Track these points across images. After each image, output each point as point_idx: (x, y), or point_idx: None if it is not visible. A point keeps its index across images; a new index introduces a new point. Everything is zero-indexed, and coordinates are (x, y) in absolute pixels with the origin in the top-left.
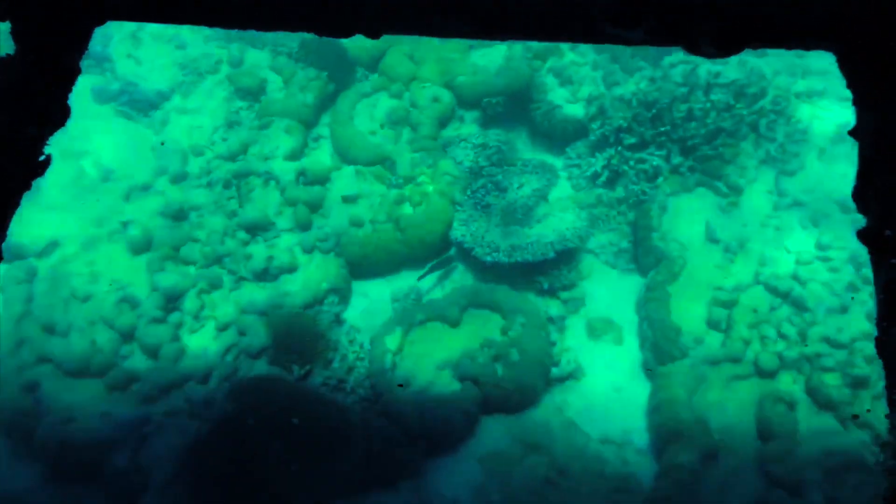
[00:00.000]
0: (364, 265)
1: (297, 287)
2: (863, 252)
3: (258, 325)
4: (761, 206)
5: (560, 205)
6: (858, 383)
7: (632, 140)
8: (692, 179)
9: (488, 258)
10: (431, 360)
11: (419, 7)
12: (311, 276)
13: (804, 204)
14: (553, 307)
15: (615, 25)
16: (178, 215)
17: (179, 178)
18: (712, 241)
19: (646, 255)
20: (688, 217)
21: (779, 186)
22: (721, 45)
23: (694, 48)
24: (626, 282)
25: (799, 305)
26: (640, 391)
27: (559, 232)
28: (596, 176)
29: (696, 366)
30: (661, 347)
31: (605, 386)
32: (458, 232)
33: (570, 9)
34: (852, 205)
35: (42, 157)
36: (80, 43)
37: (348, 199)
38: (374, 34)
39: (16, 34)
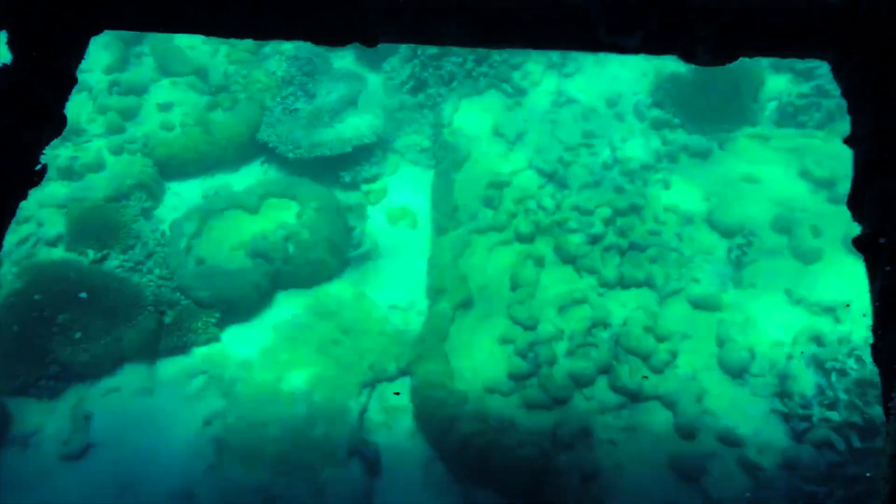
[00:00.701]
0: (174, 166)
1: (102, 184)
2: (617, 137)
3: (56, 215)
4: (542, 104)
5: (365, 109)
6: (594, 239)
7: (434, 50)
8: (483, 83)
9: (290, 154)
10: (228, 242)
11: (416, 15)
12: (116, 172)
13: (578, 101)
14: (354, 198)
15: (612, 33)
16: None
17: None
18: (497, 135)
19: (439, 149)
20: (477, 115)
21: (559, 87)
22: (717, 53)
23: (690, 56)
24: (426, 176)
25: (561, 184)
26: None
27: (357, 129)
28: (402, 84)
29: (464, 235)
30: (440, 224)
31: (399, 264)
32: (264, 133)
33: (567, 17)
34: (616, 100)
35: (38, 167)
36: (76, 51)
37: (162, 107)
38: (371, 43)
39: (12, 43)
